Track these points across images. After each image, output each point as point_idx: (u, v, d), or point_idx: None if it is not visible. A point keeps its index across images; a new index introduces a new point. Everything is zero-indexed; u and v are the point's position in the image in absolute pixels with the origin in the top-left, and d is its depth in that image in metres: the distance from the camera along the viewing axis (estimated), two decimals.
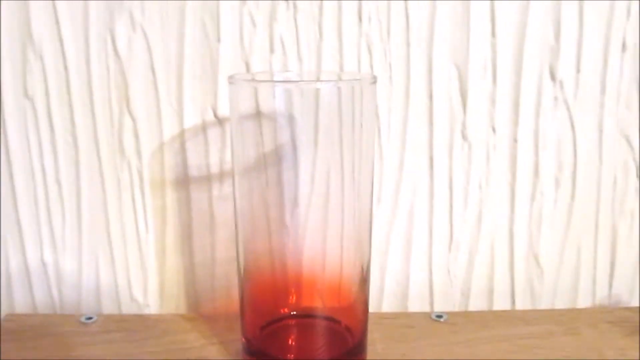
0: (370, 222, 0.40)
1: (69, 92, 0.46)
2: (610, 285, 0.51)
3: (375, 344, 0.43)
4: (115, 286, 0.49)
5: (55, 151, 0.47)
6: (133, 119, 0.46)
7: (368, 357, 0.41)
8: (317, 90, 0.37)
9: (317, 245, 0.41)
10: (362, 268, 0.39)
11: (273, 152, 0.40)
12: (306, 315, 0.42)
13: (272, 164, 0.40)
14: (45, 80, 0.46)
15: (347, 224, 0.40)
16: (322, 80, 0.44)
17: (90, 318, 0.46)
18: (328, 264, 0.41)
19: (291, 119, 0.39)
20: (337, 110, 0.37)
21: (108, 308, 0.50)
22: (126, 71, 0.46)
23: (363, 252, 0.39)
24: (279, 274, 0.41)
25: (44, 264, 0.49)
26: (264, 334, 0.41)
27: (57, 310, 0.50)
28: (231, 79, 0.37)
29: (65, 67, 0.45)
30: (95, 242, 0.49)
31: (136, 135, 0.47)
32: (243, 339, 0.40)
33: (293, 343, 0.42)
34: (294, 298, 0.42)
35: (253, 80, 0.41)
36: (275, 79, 0.44)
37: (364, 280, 0.40)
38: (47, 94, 0.46)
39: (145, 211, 0.48)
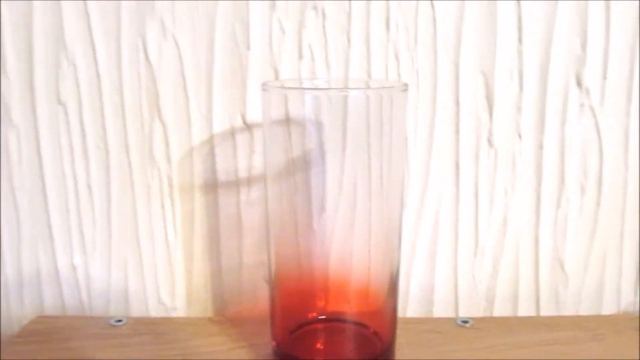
0: (400, 229, 0.40)
1: (100, 98, 0.47)
2: (636, 292, 0.51)
3: (402, 349, 0.43)
4: (143, 290, 0.50)
5: (86, 156, 0.48)
6: (163, 125, 0.47)
7: None
8: (347, 97, 0.38)
9: (346, 250, 0.42)
10: (392, 273, 0.40)
11: (302, 158, 0.40)
12: (335, 320, 0.42)
13: (301, 169, 0.40)
14: (77, 86, 0.47)
15: (375, 230, 0.40)
16: (355, 88, 0.44)
17: (119, 321, 0.47)
18: (356, 269, 0.41)
19: (320, 125, 0.39)
20: (366, 117, 0.37)
21: (136, 311, 0.50)
22: (157, 78, 0.46)
23: (392, 258, 0.40)
24: (309, 278, 0.42)
25: (74, 267, 0.50)
26: (293, 338, 0.41)
27: (85, 312, 0.50)
28: (264, 86, 0.38)
29: (97, 74, 0.46)
30: (124, 246, 0.49)
31: (166, 141, 0.47)
32: (273, 343, 0.41)
33: (322, 347, 0.42)
34: (323, 302, 0.43)
35: (285, 87, 0.41)
36: (304, 86, 0.45)
37: (394, 286, 0.40)
38: (79, 100, 0.47)
39: (174, 216, 0.49)
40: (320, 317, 0.43)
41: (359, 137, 0.39)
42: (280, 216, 0.41)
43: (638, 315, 0.50)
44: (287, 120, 0.39)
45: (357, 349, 0.40)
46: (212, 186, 0.48)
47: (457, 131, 0.47)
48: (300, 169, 0.40)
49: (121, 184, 0.48)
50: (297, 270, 0.42)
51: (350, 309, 0.42)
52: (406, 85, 0.38)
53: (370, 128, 0.38)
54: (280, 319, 0.41)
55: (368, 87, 0.44)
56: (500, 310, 0.51)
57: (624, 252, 0.50)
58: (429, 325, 0.47)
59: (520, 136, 0.48)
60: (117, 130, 0.47)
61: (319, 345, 0.42)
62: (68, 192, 0.48)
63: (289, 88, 0.40)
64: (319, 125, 0.39)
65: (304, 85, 0.45)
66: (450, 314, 0.51)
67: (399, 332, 0.43)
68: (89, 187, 0.48)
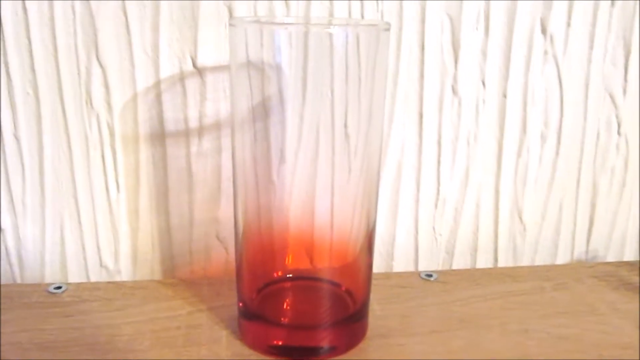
0: (377, 180, 0.38)
1: (28, 37, 0.41)
2: (588, 241, 0.51)
3: (372, 305, 0.41)
4: (82, 252, 0.45)
5: (13, 103, 0.42)
6: (102, 68, 0.42)
7: (369, 321, 0.39)
8: (332, 35, 0.34)
9: (317, 206, 0.39)
10: (368, 228, 0.37)
11: (262, 104, 0.37)
12: (304, 278, 0.40)
13: (262, 117, 0.37)
14: (0, 22, 0.40)
15: (343, 183, 0.38)
16: (338, 25, 0.40)
17: (59, 287, 0.42)
18: (325, 225, 0.39)
19: (301, 63, 0.35)
20: (350, 59, 0.34)
21: (74, 276, 0.46)
22: (94, 13, 0.41)
23: (369, 211, 0.37)
24: (273, 236, 0.39)
25: (1, 230, 0.44)
26: (262, 297, 0.38)
27: (16, 279, 0.45)
28: (233, 21, 0.34)
29: (24, 8, 0.40)
30: (60, 205, 0.44)
31: (106, 86, 0.42)
32: (240, 303, 0.38)
33: (291, 307, 0.40)
34: (288, 261, 0.40)
35: (262, 22, 0.37)
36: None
37: (370, 242, 0.38)
38: (2, 38, 0.41)
39: (116, 169, 0.44)
40: (288, 276, 0.40)
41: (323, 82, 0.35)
42: (243, 168, 0.37)
43: (590, 263, 0.51)
44: (259, 62, 0.35)
45: (329, 308, 0.38)
46: (159, 136, 0.44)
47: (421, 77, 0.45)
48: (260, 117, 0.37)
49: (54, 135, 0.43)
50: (259, 225, 0.39)
51: (317, 266, 0.39)
52: (389, 24, 0.35)
53: (350, 71, 0.35)
54: (246, 278, 0.37)
55: (354, 25, 0.40)
56: (459, 262, 0.50)
57: (579, 202, 0.50)
58: (393, 280, 0.45)
59: (484, 84, 0.46)
60: (48, 74, 0.42)
61: (289, 305, 0.40)
62: None
63: (265, 23, 0.36)
64: (297, 64, 0.36)
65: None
66: (410, 267, 0.49)
67: None
68: (16, 138, 0.42)
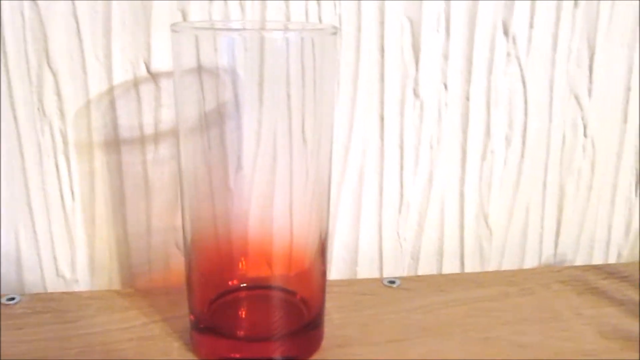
0: (329, 187, 0.37)
1: None
2: (556, 244, 0.51)
3: (330, 314, 0.40)
4: (38, 262, 0.44)
5: None
6: (54, 74, 0.41)
7: (325, 330, 0.38)
8: (278, 40, 0.33)
9: (266, 211, 0.38)
10: (320, 235, 0.36)
11: (216, 110, 0.36)
12: (258, 287, 0.39)
13: (216, 123, 0.36)
14: None
15: (299, 189, 0.37)
16: (289, 30, 0.40)
17: (12, 299, 0.41)
18: (279, 232, 0.38)
19: (235, 74, 0.35)
20: (297, 63, 0.34)
21: (31, 287, 0.45)
22: (44, 18, 0.40)
23: (321, 219, 0.36)
24: (227, 243, 0.38)
25: None
26: (214, 309, 0.37)
27: None
28: (174, 27, 0.33)
29: None
30: (14, 214, 0.43)
31: (58, 93, 0.41)
32: (191, 316, 0.37)
33: (244, 318, 0.39)
34: (244, 268, 0.39)
35: (199, 28, 0.36)
36: (216, 27, 0.40)
37: (322, 249, 0.37)
38: None
39: (70, 177, 0.43)
40: (242, 285, 0.39)
41: (278, 87, 0.35)
42: (194, 175, 0.36)
43: (558, 267, 0.50)
44: (199, 68, 0.34)
45: (283, 317, 0.37)
46: (113, 143, 0.43)
47: (381, 80, 0.44)
48: (215, 123, 0.36)
49: (7, 143, 0.42)
50: (214, 234, 0.38)
51: (274, 274, 0.38)
52: (336, 28, 0.34)
53: (291, 77, 0.34)
54: (198, 289, 0.37)
55: (305, 30, 0.40)
56: (425, 268, 0.49)
57: (546, 205, 0.49)
58: (355, 287, 0.45)
59: (446, 87, 0.45)
60: None
61: (242, 316, 0.39)
62: None
63: (204, 29, 0.35)
64: (234, 74, 0.35)
65: (216, 27, 0.40)
66: (374, 273, 0.49)
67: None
68: None
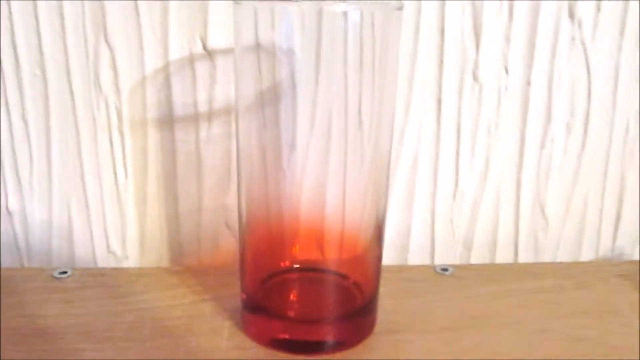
0: (388, 171, 0.36)
1: (36, 17, 0.40)
2: (615, 238, 0.49)
3: (382, 300, 0.39)
4: (90, 237, 0.44)
5: (20, 85, 0.41)
6: (111, 49, 0.41)
7: (378, 316, 0.37)
8: (337, 14, 0.32)
9: (328, 195, 0.37)
10: (378, 219, 0.36)
11: (276, 88, 0.35)
12: (311, 269, 0.39)
13: (271, 102, 0.35)
14: (8, 3, 0.40)
15: (357, 173, 0.36)
16: (350, 2, 0.39)
17: (64, 272, 0.42)
18: (334, 215, 0.37)
19: (312, 49, 0.34)
20: (368, 38, 0.33)
21: (82, 261, 0.45)
22: None
23: (379, 203, 0.36)
24: (280, 224, 0.38)
25: (9, 213, 0.44)
26: (265, 289, 0.37)
27: (24, 263, 0.45)
28: (238, 1, 0.32)
29: None
30: (67, 189, 0.43)
31: (114, 68, 0.41)
32: (242, 295, 0.36)
33: (296, 299, 0.38)
34: (297, 249, 0.39)
35: (267, 0, 0.35)
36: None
37: (379, 233, 0.36)
38: (10, 18, 0.40)
39: (124, 154, 0.43)
40: (294, 266, 0.39)
41: (335, 66, 0.34)
42: (249, 154, 0.36)
43: (616, 261, 0.48)
44: (257, 45, 0.34)
45: (335, 301, 0.36)
46: (167, 120, 0.43)
47: (440, 63, 0.43)
48: (270, 102, 0.35)
49: (62, 117, 0.42)
50: (267, 214, 0.37)
51: (325, 257, 0.38)
52: (402, 3, 0.33)
53: (349, 56, 0.33)
54: (250, 268, 0.36)
55: (364, 3, 0.39)
56: (478, 257, 0.48)
57: (606, 197, 0.48)
58: (407, 273, 0.44)
59: (507, 70, 0.44)
60: (56, 55, 0.41)
61: (293, 297, 0.38)
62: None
63: (264, 1, 0.34)
64: (291, 52, 0.34)
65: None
66: (425, 261, 0.48)
67: None
68: (24, 120, 0.42)
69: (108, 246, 0.45)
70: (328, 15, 0.33)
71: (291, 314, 0.37)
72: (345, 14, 0.32)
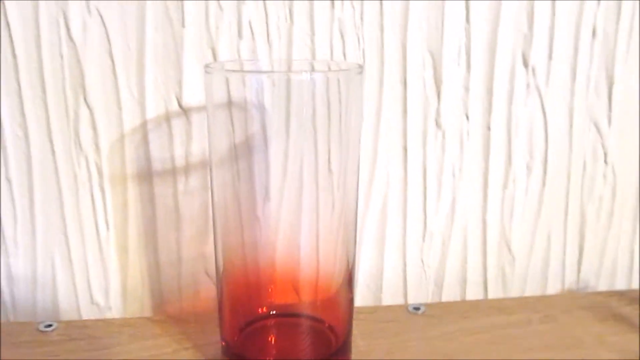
0: (356, 217, 0.38)
1: (17, 81, 0.42)
2: (579, 271, 0.51)
3: (356, 341, 0.41)
4: (74, 289, 0.46)
5: (3, 146, 0.43)
6: (90, 110, 0.43)
7: (352, 356, 0.39)
8: (305, 80, 0.35)
9: (294, 240, 0.39)
10: (348, 264, 0.38)
11: (245, 143, 0.37)
12: (287, 315, 0.40)
13: (244, 155, 0.37)
14: None
15: (327, 219, 0.38)
16: (315, 70, 0.41)
17: (49, 325, 0.43)
18: (307, 261, 0.39)
19: (263, 109, 0.36)
20: (324, 100, 0.35)
21: (67, 314, 0.46)
22: (81, 58, 0.42)
23: (348, 248, 0.38)
24: (256, 271, 0.39)
25: None
26: (244, 336, 0.39)
27: (9, 318, 0.46)
28: (207, 69, 0.35)
29: (13, 54, 0.41)
30: (50, 243, 0.45)
31: (94, 127, 0.43)
32: (222, 342, 0.38)
33: (274, 345, 0.40)
34: (273, 297, 0.40)
35: (230, 70, 0.38)
36: (246, 67, 0.41)
37: (350, 277, 0.38)
38: None
39: (105, 208, 0.45)
40: (271, 313, 0.40)
41: (304, 121, 0.36)
42: (225, 205, 0.38)
43: (582, 293, 0.51)
44: (235, 104, 0.36)
45: (311, 345, 0.38)
46: (146, 175, 0.45)
47: (404, 112, 0.46)
48: (244, 155, 0.38)
49: (45, 175, 0.44)
50: (243, 262, 0.39)
51: (302, 302, 0.40)
52: (361, 67, 0.35)
53: (317, 112, 0.36)
54: (228, 316, 0.38)
55: (327, 70, 0.41)
56: (449, 294, 0.50)
57: (568, 232, 0.50)
58: (380, 314, 0.46)
59: (467, 117, 0.46)
60: (38, 116, 0.43)
61: (271, 343, 0.40)
62: None
63: (235, 71, 0.37)
64: (262, 109, 0.36)
65: (245, 67, 0.42)
66: (399, 300, 0.50)
67: None
68: (8, 180, 0.44)
69: (92, 297, 0.46)
70: (296, 82, 0.35)
71: (269, 359, 0.39)
72: (311, 80, 0.35)
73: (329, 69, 0.41)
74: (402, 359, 0.40)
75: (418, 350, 0.41)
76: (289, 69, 0.42)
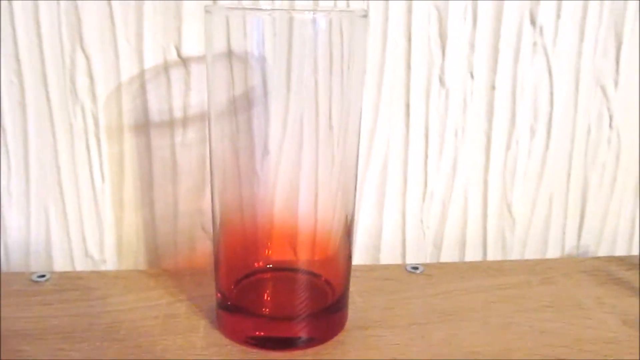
0: (355, 172, 0.37)
1: (12, 26, 0.41)
2: (579, 236, 0.51)
3: (353, 297, 0.41)
4: (68, 241, 0.45)
5: None
6: (87, 57, 0.42)
7: (349, 312, 0.39)
8: (307, 21, 0.34)
9: (292, 195, 0.39)
10: (347, 219, 0.37)
11: (245, 95, 0.37)
12: (284, 269, 0.40)
13: (244, 108, 0.37)
14: None
15: (325, 173, 0.37)
16: (319, 10, 0.40)
17: (42, 276, 0.42)
18: (305, 215, 0.39)
19: (279, 59, 0.35)
20: (337, 45, 0.34)
21: (60, 265, 0.46)
22: (79, 4, 0.41)
23: (347, 203, 0.37)
24: (253, 225, 0.39)
25: None
26: (239, 288, 0.38)
27: (2, 268, 0.45)
28: (208, 8, 0.34)
29: None
30: (45, 194, 0.44)
31: (90, 76, 0.42)
32: (217, 294, 0.37)
33: (269, 297, 0.39)
34: (270, 250, 0.40)
35: (235, 8, 0.36)
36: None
37: (348, 232, 0.37)
38: None
39: (100, 159, 0.44)
40: (267, 266, 0.40)
41: (306, 73, 0.35)
42: (223, 159, 0.37)
43: (581, 258, 0.50)
44: (230, 53, 0.35)
45: (308, 298, 0.37)
46: (143, 126, 0.44)
47: (408, 68, 0.45)
48: (243, 108, 0.37)
49: (39, 124, 0.43)
50: (241, 217, 0.39)
51: (298, 257, 0.39)
52: (365, 11, 0.34)
53: (319, 62, 0.35)
54: (225, 269, 0.37)
55: (332, 11, 0.40)
56: (448, 255, 0.49)
57: (570, 196, 0.49)
58: (378, 272, 0.45)
59: (472, 75, 0.45)
60: (33, 63, 0.42)
61: (266, 296, 0.40)
62: None
63: (235, 8, 0.36)
64: (262, 60, 0.35)
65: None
66: (397, 260, 0.49)
67: None
68: (2, 128, 0.43)
69: (86, 250, 0.46)
70: (298, 22, 0.34)
71: (265, 311, 0.39)
72: (314, 20, 0.34)
73: (332, 11, 0.40)
74: (400, 315, 0.39)
75: (416, 307, 0.40)
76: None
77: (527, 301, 0.42)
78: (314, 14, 0.34)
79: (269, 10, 0.38)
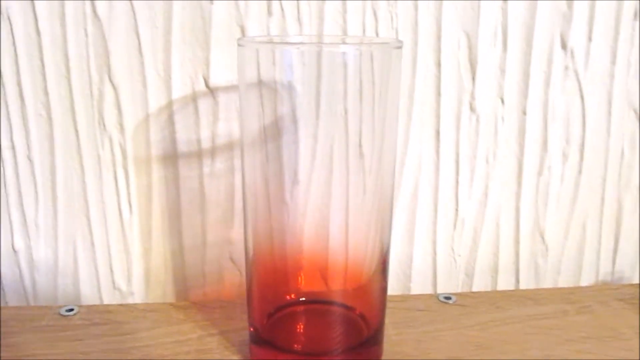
0: (391, 199, 0.37)
1: (41, 59, 0.41)
2: (614, 262, 0.50)
3: (387, 330, 0.40)
4: (95, 273, 0.45)
5: (26, 125, 0.42)
6: (115, 88, 0.42)
7: (384, 346, 0.38)
8: (336, 54, 0.33)
9: (331, 227, 0.38)
10: (382, 249, 0.36)
11: (275, 124, 0.36)
12: (317, 301, 0.39)
13: (274, 137, 0.36)
14: (14, 44, 0.40)
15: (359, 203, 0.37)
16: (350, 43, 0.40)
17: (70, 310, 0.42)
18: (338, 247, 0.38)
19: (308, 89, 0.35)
20: (368, 75, 0.33)
21: (88, 298, 0.45)
22: (107, 35, 0.41)
23: (383, 234, 0.36)
24: (286, 258, 0.38)
25: (15, 252, 0.44)
26: (272, 322, 0.37)
27: (30, 302, 0.45)
28: (240, 41, 0.33)
29: (37, 31, 0.40)
30: (72, 226, 0.44)
31: (118, 107, 0.42)
32: (250, 328, 0.37)
33: (303, 332, 0.39)
34: (301, 282, 0.39)
35: (264, 42, 0.36)
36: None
37: (384, 264, 0.36)
38: (15, 61, 0.41)
39: (128, 190, 0.44)
40: (300, 299, 0.39)
41: (335, 101, 0.35)
42: (254, 189, 0.36)
43: (616, 285, 0.49)
44: (260, 83, 0.34)
45: (342, 333, 0.37)
46: (171, 157, 0.43)
47: (438, 94, 0.44)
48: (273, 137, 0.36)
49: (67, 156, 0.43)
50: (271, 247, 0.38)
51: (329, 289, 0.38)
52: (400, 42, 0.34)
53: (372, 86, 0.34)
54: (257, 302, 0.37)
55: (362, 43, 0.40)
56: (479, 284, 0.48)
57: (604, 221, 0.48)
58: (410, 302, 0.44)
59: (503, 101, 0.45)
60: (61, 95, 0.42)
61: (299, 330, 0.39)
62: (6, 167, 0.43)
63: (264, 43, 0.35)
64: (291, 90, 0.35)
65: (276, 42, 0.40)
66: (428, 289, 0.48)
67: None
68: (29, 160, 0.42)
69: (114, 282, 0.45)
70: (327, 55, 0.34)
71: (298, 347, 0.38)
72: (344, 54, 0.33)
73: (361, 43, 0.39)
74: (435, 349, 0.39)
75: (450, 340, 0.39)
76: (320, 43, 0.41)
77: (565, 332, 0.41)
78: (344, 47, 0.33)
79: (297, 44, 0.38)
